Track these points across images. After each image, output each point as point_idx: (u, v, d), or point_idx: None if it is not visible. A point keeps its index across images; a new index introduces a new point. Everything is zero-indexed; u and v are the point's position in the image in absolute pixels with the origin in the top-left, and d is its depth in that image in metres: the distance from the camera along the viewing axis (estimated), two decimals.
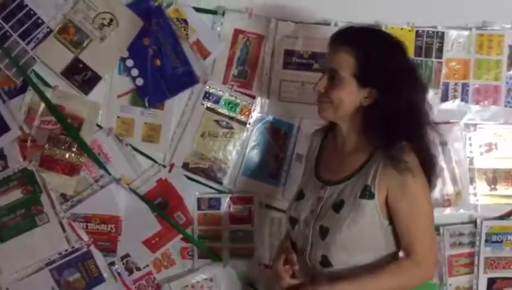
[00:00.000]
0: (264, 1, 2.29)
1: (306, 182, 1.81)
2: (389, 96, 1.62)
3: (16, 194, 2.23)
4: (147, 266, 2.36)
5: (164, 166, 2.32)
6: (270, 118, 2.31)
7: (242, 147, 2.33)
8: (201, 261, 2.39)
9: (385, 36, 1.74)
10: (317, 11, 2.29)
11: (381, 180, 1.60)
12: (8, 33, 2.16)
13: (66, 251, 2.28)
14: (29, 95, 2.22)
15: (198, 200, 2.35)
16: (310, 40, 2.28)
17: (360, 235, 1.62)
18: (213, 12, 2.29)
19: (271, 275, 1.93)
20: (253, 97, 2.34)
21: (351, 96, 1.65)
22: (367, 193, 1.62)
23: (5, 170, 2.23)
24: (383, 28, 2.16)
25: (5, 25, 2.16)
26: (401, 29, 2.21)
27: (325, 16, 2.29)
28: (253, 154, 2.33)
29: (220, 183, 2.36)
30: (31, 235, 2.25)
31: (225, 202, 2.37)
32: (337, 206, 1.65)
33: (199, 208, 2.36)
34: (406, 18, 2.23)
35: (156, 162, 2.31)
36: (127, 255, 2.33)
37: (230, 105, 2.34)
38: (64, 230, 2.27)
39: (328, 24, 2.28)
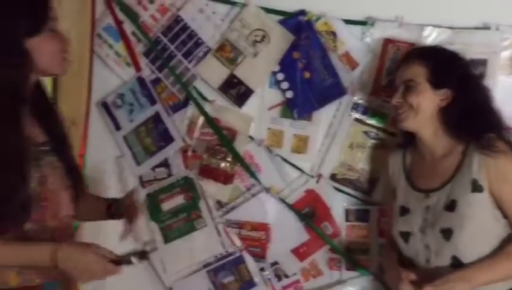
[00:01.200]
0: (415, 8, 1.95)
1: (405, 198, 1.68)
2: (465, 91, 1.59)
3: (179, 200, 2.14)
4: (295, 274, 2.11)
5: (312, 176, 2.06)
6: None
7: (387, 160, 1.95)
8: (349, 273, 2.08)
9: (448, 49, 1.73)
10: (475, 15, 1.85)
11: (483, 172, 1.52)
12: (173, 53, 2.08)
13: (221, 254, 2.13)
14: (191, 109, 2.12)
15: (346, 211, 2.05)
16: (468, 46, 1.88)
17: (481, 228, 1.52)
18: (362, 23, 1.97)
19: None
20: None
21: (428, 99, 1.61)
22: (476, 187, 1.53)
23: (169, 178, 2.14)
24: None
25: (170, 45, 2.08)
26: None
27: (484, 19, 1.89)
28: None
29: (369, 194, 2.00)
30: (191, 238, 2.13)
31: (374, 214, 2.03)
32: (451, 207, 1.54)
33: (347, 219, 2.06)
34: None
35: (304, 172, 2.06)
36: (276, 263, 2.11)
37: (379, 116, 1.99)
38: (219, 235, 2.11)
39: (488, 28, 1.85)
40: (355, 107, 2.03)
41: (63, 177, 1.41)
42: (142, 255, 1.41)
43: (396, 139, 1.98)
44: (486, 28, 1.89)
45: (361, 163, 2.03)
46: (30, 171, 1.29)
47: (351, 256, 2.05)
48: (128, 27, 2.13)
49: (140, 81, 2.13)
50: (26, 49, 1.28)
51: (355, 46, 2.01)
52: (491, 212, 1.54)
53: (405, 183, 1.71)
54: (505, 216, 1.55)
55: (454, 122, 1.59)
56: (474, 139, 1.56)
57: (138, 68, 2.13)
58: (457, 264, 1.53)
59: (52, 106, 1.48)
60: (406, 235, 1.64)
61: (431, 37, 1.93)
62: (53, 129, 1.43)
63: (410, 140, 1.72)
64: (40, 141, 1.38)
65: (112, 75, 2.15)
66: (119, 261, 1.33)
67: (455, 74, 1.62)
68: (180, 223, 2.14)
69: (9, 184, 1.24)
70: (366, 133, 2.03)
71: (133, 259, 1.35)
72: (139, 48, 2.13)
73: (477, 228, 1.52)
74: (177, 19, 2.10)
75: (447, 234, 1.53)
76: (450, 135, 1.61)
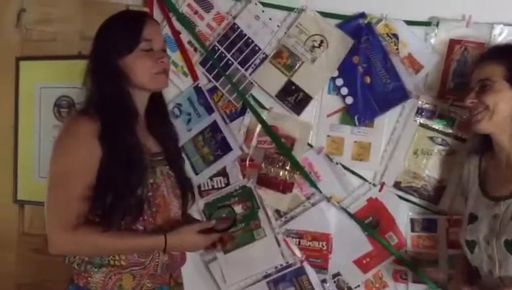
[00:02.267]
0: (483, 6, 1.81)
1: (475, 205, 1.57)
2: None
3: (237, 210, 2.06)
4: (358, 286, 2.00)
5: (375, 185, 1.96)
6: None
7: (461, 165, 1.82)
8: (416, 285, 1.96)
9: None
10: None
11: None
12: (229, 61, 2.03)
13: (281, 265, 2.05)
14: (248, 117, 2.06)
15: (412, 221, 1.94)
16: None
17: None
18: (426, 23, 1.86)
19: None
20: None
21: (505, 99, 1.49)
22: None
23: (227, 187, 2.09)
24: None
25: (227, 54, 2.03)
26: None
27: None
28: None
29: (436, 203, 1.87)
30: (250, 248, 2.07)
31: (442, 223, 1.91)
32: None
33: (413, 230, 1.94)
34: None
35: (366, 180, 1.95)
36: (338, 274, 2.01)
37: (446, 120, 1.87)
38: (279, 245, 2.04)
39: None
40: (420, 111, 1.91)
41: (174, 186, 1.54)
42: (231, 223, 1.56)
43: (465, 145, 1.85)
44: None
45: (427, 170, 1.91)
46: (147, 176, 1.43)
47: (418, 268, 1.91)
48: (185, 37, 2.11)
49: (198, 90, 2.10)
50: (121, 67, 1.44)
51: (419, 48, 1.90)
52: None
53: (477, 190, 1.60)
54: None
55: None
56: None
57: (195, 77, 2.10)
58: None
59: (167, 120, 1.60)
60: (471, 244, 1.54)
61: (502, 35, 1.80)
62: (167, 141, 1.56)
63: (487, 144, 1.61)
64: (154, 151, 1.51)
65: (170, 85, 2.10)
66: (219, 229, 1.53)
67: None
68: (239, 233, 2.07)
69: (130, 184, 1.38)
70: (431, 138, 1.91)
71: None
72: (195, 58, 2.10)
73: None
74: (233, 27, 2.05)
75: (511, 246, 1.41)
76: None
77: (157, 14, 2.11)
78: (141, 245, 1.43)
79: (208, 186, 2.11)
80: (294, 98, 2.02)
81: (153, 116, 1.56)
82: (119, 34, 1.45)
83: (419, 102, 1.91)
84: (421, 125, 1.92)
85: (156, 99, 1.58)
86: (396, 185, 1.94)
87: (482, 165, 1.63)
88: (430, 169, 1.91)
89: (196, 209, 2.09)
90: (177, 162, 1.57)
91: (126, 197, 1.38)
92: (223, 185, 2.10)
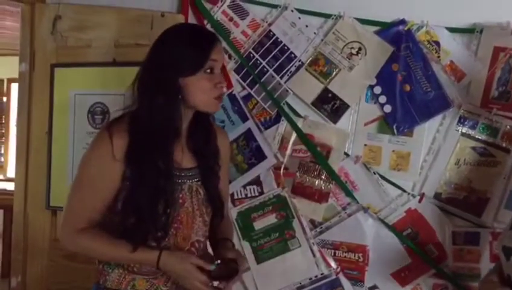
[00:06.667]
0: None
1: None
2: None
3: (271, 219, 1.97)
4: None
5: (414, 195, 1.83)
6: None
7: (505, 176, 1.68)
8: None
9: None
10: None
11: None
12: (265, 69, 1.92)
13: (316, 276, 1.92)
14: (283, 126, 1.95)
15: (453, 233, 1.79)
16: None
17: None
18: (469, 30, 1.72)
19: None
20: None
21: None
22: None
23: (261, 196, 1.97)
24: None
25: (262, 61, 1.93)
26: None
27: None
28: None
29: (479, 216, 1.73)
30: (284, 258, 1.95)
31: (485, 237, 1.77)
32: None
33: (454, 243, 1.78)
34: None
35: (404, 191, 1.82)
36: (375, 287, 1.88)
37: (490, 130, 1.74)
38: (314, 255, 1.92)
39: None
40: (462, 120, 1.78)
41: (201, 203, 1.39)
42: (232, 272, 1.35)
43: (509, 156, 1.70)
44: None
45: (469, 181, 1.77)
46: (176, 196, 1.32)
47: (460, 282, 1.77)
48: None
49: (232, 97, 1.99)
50: (180, 86, 1.29)
51: (462, 56, 1.77)
52: None
53: None
54: None
55: None
56: None
57: (229, 85, 1.98)
58: None
59: (210, 135, 1.46)
60: (508, 251, 1.37)
61: None
62: (204, 156, 1.43)
63: None
64: (188, 166, 1.38)
65: None
66: (215, 276, 1.32)
67: None
68: (272, 243, 1.96)
69: (155, 211, 1.28)
70: (474, 148, 1.77)
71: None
72: (230, 65, 1.99)
73: None
74: (269, 34, 1.94)
75: None
76: None
77: (191, 21, 2.01)
78: (133, 257, 1.31)
79: (241, 194, 1.99)
80: (331, 106, 1.90)
81: (195, 130, 1.43)
82: (187, 53, 1.30)
83: (461, 111, 1.78)
84: (463, 134, 1.79)
85: (202, 115, 1.44)
86: (437, 196, 1.81)
87: None
88: (473, 180, 1.78)
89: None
90: (209, 179, 1.42)
91: (148, 222, 1.29)
92: (257, 194, 1.98)
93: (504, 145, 1.74)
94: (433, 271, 1.82)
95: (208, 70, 1.32)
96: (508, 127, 1.72)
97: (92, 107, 2.05)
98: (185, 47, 1.30)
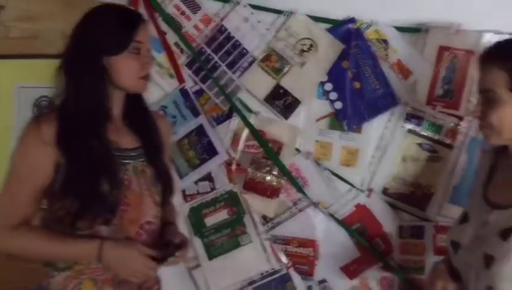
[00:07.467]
0: (473, 14, 1.72)
1: (472, 204, 1.38)
2: None
3: (223, 215, 1.95)
4: None
5: (362, 191, 1.84)
6: (482, 139, 1.65)
7: (448, 172, 1.72)
8: None
9: None
10: None
11: None
12: (217, 64, 1.90)
13: (267, 271, 1.92)
14: (235, 121, 1.93)
15: (400, 227, 1.82)
16: None
17: None
18: (416, 30, 1.76)
19: None
20: (461, 118, 1.72)
21: (511, 112, 1.22)
22: None
23: (213, 192, 1.95)
24: None
25: (214, 56, 1.89)
26: None
27: None
28: (462, 180, 1.70)
29: (423, 210, 1.77)
30: (236, 254, 1.94)
31: (429, 230, 1.82)
32: (505, 233, 1.22)
33: (400, 236, 1.82)
34: None
35: (354, 186, 1.84)
36: (324, 281, 1.90)
37: (434, 127, 1.78)
38: (265, 251, 1.91)
39: None
40: (409, 118, 1.82)
41: (150, 183, 1.36)
42: (180, 246, 1.36)
43: (452, 152, 1.75)
44: None
45: (415, 177, 1.80)
46: (119, 175, 1.28)
47: (405, 275, 1.81)
48: (171, 38, 1.96)
49: (184, 92, 1.96)
50: (104, 65, 1.28)
51: (408, 55, 1.81)
52: None
53: (480, 189, 1.40)
54: None
55: None
56: None
57: (181, 79, 1.95)
58: None
59: (147, 115, 1.45)
60: (456, 245, 1.37)
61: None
62: (145, 136, 1.40)
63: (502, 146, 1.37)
64: (131, 147, 1.36)
65: (155, 86, 1.97)
66: (161, 259, 1.31)
67: None
68: (224, 239, 1.94)
69: (98, 191, 1.24)
70: (420, 145, 1.82)
71: (170, 258, 1.32)
72: (182, 59, 1.96)
73: None
74: (221, 29, 1.92)
75: (489, 261, 1.24)
76: None
77: (142, 14, 1.95)
78: (72, 250, 1.27)
79: (193, 190, 1.96)
80: (283, 102, 1.89)
81: (131, 111, 1.41)
82: (111, 32, 1.29)
83: (408, 108, 1.81)
84: (410, 131, 1.82)
85: (136, 98, 1.42)
86: (385, 191, 1.84)
87: (495, 165, 1.42)
88: (419, 176, 1.82)
89: (181, 215, 1.95)
90: (155, 156, 1.41)
91: (94, 204, 1.25)
92: (209, 190, 1.96)
93: (448, 141, 1.79)
94: (380, 264, 1.84)
95: (135, 51, 1.30)
96: (452, 124, 1.77)
97: (38, 101, 1.97)
98: (108, 26, 1.29)
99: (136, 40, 1.31)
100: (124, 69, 1.31)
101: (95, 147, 1.27)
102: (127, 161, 1.34)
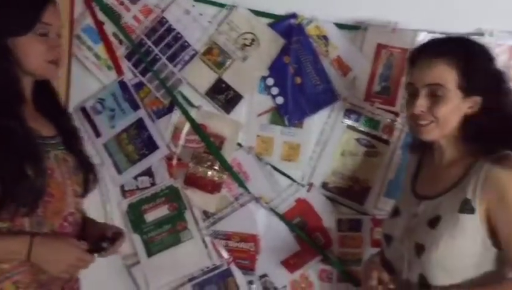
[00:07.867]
0: (409, 13, 1.77)
1: (402, 198, 1.45)
2: (495, 100, 1.27)
3: (163, 211, 1.91)
4: (285, 287, 1.91)
5: (303, 185, 1.86)
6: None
7: (385, 166, 1.77)
8: (341, 284, 1.90)
9: (475, 42, 1.35)
10: (469, 20, 1.70)
11: (482, 194, 1.21)
12: (157, 56, 1.85)
13: (208, 267, 1.91)
14: (176, 115, 1.89)
15: (339, 221, 1.85)
16: None
17: (460, 253, 1.24)
18: (355, 27, 1.79)
19: None
20: (397, 114, 1.78)
21: (456, 109, 1.27)
22: (467, 207, 1.23)
23: (153, 187, 1.91)
24: None
25: (155, 48, 1.84)
26: None
27: (478, 25, 1.76)
28: (397, 174, 1.76)
29: (361, 204, 1.81)
30: (176, 250, 1.91)
31: (366, 224, 1.86)
32: (433, 222, 1.28)
33: (339, 229, 1.85)
34: None
35: (294, 181, 1.85)
36: (265, 275, 1.90)
37: (372, 123, 1.82)
38: (206, 247, 1.90)
39: (482, 34, 1.69)
40: (348, 113, 1.85)
41: (71, 172, 1.33)
42: (113, 239, 1.34)
43: (389, 147, 1.81)
44: (480, 34, 1.75)
45: (353, 171, 1.84)
46: (44, 162, 1.23)
47: (344, 267, 1.85)
48: (109, 28, 1.90)
49: (122, 85, 1.90)
50: (9, 47, 1.23)
51: (348, 51, 1.83)
52: (480, 239, 1.24)
53: (409, 184, 1.46)
54: (498, 246, 1.24)
55: (474, 133, 1.28)
56: (485, 155, 1.25)
57: (120, 72, 1.89)
58: (424, 284, 1.29)
59: (58, 101, 1.41)
60: (388, 238, 1.42)
61: None
62: (61, 123, 1.36)
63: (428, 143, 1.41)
64: (50, 134, 1.32)
65: (92, 78, 1.91)
66: (92, 249, 1.29)
67: (489, 79, 1.28)
68: (164, 235, 1.91)
69: (18, 175, 1.18)
70: (358, 140, 1.85)
71: (104, 244, 1.32)
72: (120, 51, 1.90)
73: (456, 253, 1.25)
74: (162, 21, 1.87)
75: (420, 250, 1.29)
76: (464, 143, 1.31)
77: (78, 2, 1.88)
78: (2, 249, 1.20)
79: (132, 186, 1.91)
80: (225, 96, 1.88)
81: (42, 99, 1.36)
82: (15, 11, 1.23)
83: (347, 104, 1.84)
84: (349, 127, 1.86)
85: (42, 82, 1.36)
86: (324, 185, 1.87)
87: (422, 160, 1.47)
88: (357, 170, 1.85)
89: (119, 211, 1.89)
90: (74, 143, 1.38)
91: (19, 187, 1.18)
92: (149, 185, 1.91)
93: (384, 137, 1.83)
94: (320, 257, 1.87)
95: (42, 33, 1.26)
96: (388, 120, 1.81)
97: None
98: (13, 6, 1.24)
99: (43, 21, 1.26)
100: (29, 51, 1.26)
101: (16, 129, 1.21)
102: (48, 149, 1.29)
